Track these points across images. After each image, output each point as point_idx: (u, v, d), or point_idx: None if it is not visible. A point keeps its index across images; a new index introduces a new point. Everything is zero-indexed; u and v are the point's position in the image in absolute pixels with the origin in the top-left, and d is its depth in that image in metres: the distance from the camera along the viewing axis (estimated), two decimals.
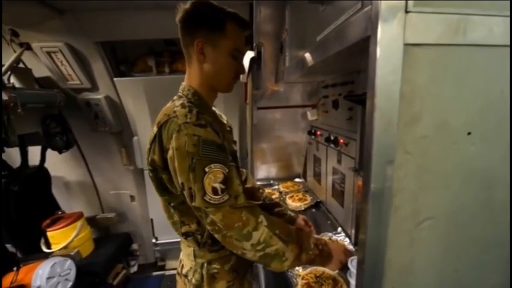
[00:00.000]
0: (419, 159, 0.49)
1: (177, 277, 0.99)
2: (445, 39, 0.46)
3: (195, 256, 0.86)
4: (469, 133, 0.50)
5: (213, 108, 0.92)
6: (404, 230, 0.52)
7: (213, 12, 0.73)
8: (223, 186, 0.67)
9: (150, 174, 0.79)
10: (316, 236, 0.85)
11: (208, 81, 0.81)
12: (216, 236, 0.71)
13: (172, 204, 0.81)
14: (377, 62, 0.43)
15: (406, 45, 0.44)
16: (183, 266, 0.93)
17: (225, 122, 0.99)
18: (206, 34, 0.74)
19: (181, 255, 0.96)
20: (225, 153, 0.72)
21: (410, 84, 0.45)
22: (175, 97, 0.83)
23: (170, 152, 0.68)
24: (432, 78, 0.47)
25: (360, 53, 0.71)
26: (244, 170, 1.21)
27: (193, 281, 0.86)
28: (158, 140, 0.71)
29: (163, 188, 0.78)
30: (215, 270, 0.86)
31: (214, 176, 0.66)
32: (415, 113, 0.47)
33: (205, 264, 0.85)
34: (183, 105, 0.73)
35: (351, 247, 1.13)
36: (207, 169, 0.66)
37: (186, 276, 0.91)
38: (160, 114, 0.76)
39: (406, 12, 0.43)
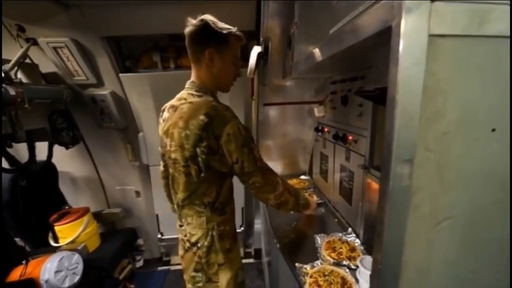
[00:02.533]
0: (441, 156, 0.47)
1: (182, 253, 1.12)
2: (472, 30, 0.43)
3: (207, 222, 1.02)
4: (493, 130, 0.48)
5: None
6: (422, 230, 0.50)
7: (219, 29, 0.93)
8: (260, 156, 0.97)
9: (203, 157, 0.90)
10: (302, 193, 1.24)
11: (216, 83, 1.01)
12: (253, 191, 1.01)
13: (203, 175, 0.95)
14: (400, 54, 0.41)
15: (430, 36, 0.41)
16: (189, 239, 1.06)
17: None
18: (215, 46, 0.94)
19: (188, 230, 1.07)
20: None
21: (434, 77, 0.43)
22: (190, 91, 0.99)
23: (225, 137, 0.88)
24: (457, 71, 0.44)
25: (374, 47, 0.69)
26: None
27: (206, 243, 1.03)
28: (210, 129, 0.87)
29: (208, 167, 0.93)
30: (222, 230, 1.04)
31: (256, 149, 0.96)
32: (438, 107, 0.45)
33: (215, 226, 1.03)
34: (217, 102, 0.97)
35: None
36: (252, 145, 0.94)
37: (195, 244, 1.05)
38: (199, 106, 0.90)
39: (432, 1, 0.40)
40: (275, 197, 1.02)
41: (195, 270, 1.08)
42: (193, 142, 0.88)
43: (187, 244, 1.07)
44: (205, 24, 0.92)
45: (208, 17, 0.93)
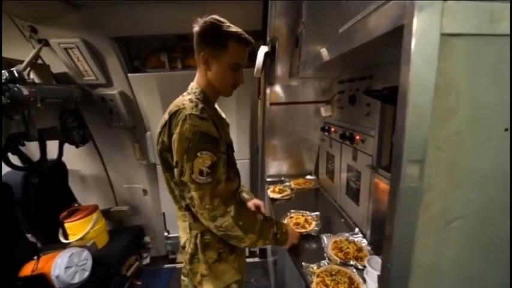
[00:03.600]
0: (452, 155, 0.47)
1: (180, 255, 1.11)
2: (484, 29, 0.43)
3: (190, 229, 0.99)
4: (506, 129, 0.48)
5: (215, 105, 1.07)
6: (433, 229, 0.50)
7: (219, 32, 0.86)
8: (208, 171, 0.82)
9: (158, 154, 0.93)
10: (279, 223, 1.03)
11: (210, 87, 0.97)
12: (192, 209, 0.88)
13: (173, 180, 0.93)
14: (411, 52, 0.41)
15: (442, 35, 0.41)
16: (180, 241, 1.06)
17: (224, 118, 1.13)
18: (211, 50, 0.89)
19: (179, 231, 1.07)
20: (217, 145, 0.87)
21: (446, 76, 0.43)
22: (184, 93, 0.98)
23: (174, 135, 0.84)
24: (469, 69, 0.44)
25: (383, 46, 0.69)
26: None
27: (189, 250, 1.00)
28: (168, 126, 0.87)
29: (168, 166, 0.93)
30: (207, 240, 0.99)
31: (203, 161, 0.81)
32: (449, 106, 0.45)
33: (199, 235, 0.98)
34: (191, 100, 0.89)
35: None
36: (198, 154, 0.81)
37: (184, 247, 1.04)
38: (171, 106, 0.92)
39: None
40: (216, 228, 0.86)
41: (183, 274, 1.09)
42: (156, 138, 0.94)
43: (180, 246, 1.07)
44: (207, 26, 0.87)
45: (215, 17, 0.88)
